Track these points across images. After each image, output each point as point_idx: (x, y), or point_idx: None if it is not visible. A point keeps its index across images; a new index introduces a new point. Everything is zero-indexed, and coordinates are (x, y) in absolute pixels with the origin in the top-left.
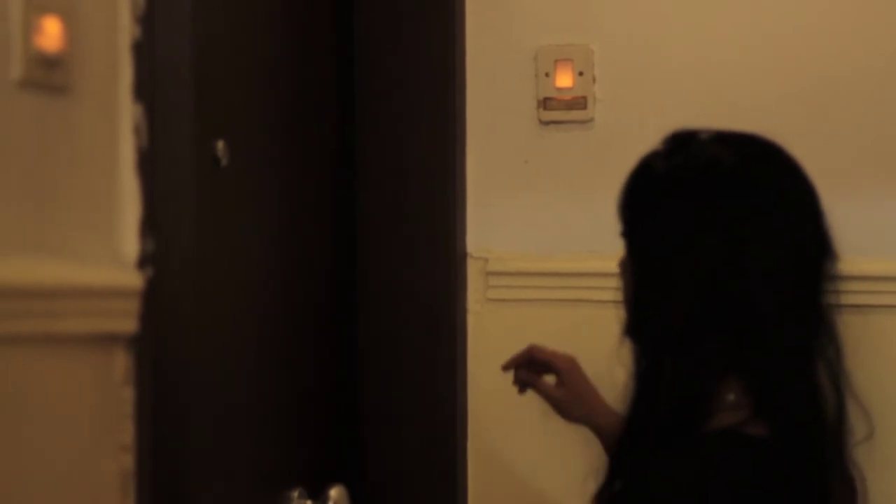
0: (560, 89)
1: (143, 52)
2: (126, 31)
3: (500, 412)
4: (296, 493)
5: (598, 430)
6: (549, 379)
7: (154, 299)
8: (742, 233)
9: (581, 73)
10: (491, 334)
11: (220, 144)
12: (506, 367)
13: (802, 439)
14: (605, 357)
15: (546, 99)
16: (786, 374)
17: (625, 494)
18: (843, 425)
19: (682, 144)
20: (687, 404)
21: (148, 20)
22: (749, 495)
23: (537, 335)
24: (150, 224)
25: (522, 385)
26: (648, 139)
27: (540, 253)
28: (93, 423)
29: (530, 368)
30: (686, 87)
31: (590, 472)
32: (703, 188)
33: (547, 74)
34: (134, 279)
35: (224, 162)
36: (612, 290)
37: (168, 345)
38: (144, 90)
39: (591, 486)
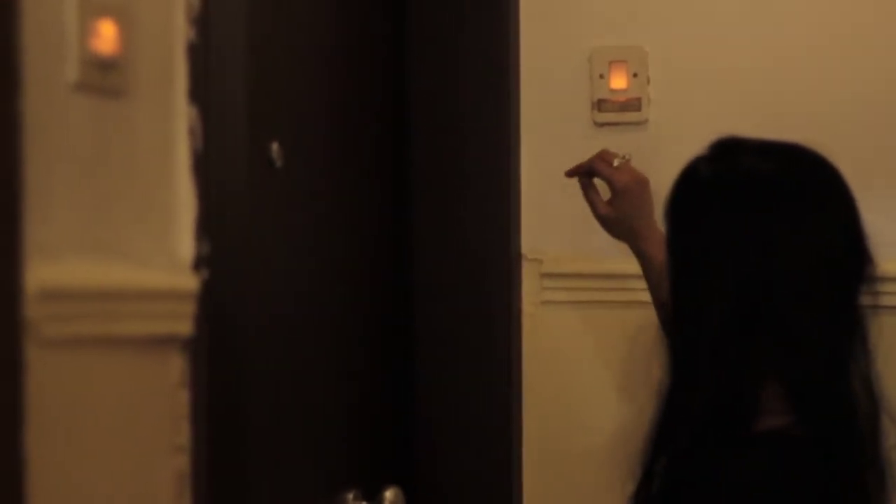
0: (614, 91)
1: (198, 54)
2: (181, 32)
3: (555, 413)
4: (351, 495)
5: (639, 255)
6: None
7: (209, 301)
8: (775, 242)
9: (635, 75)
10: (546, 336)
11: (275, 146)
12: (569, 174)
13: (839, 441)
14: (663, 360)
15: (600, 100)
16: (819, 377)
17: (669, 496)
18: (878, 426)
19: (725, 152)
20: (725, 408)
21: (202, 22)
22: (800, 496)
23: (592, 337)
24: (206, 226)
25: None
26: (703, 141)
27: (595, 255)
28: (149, 424)
29: (591, 176)
30: (740, 89)
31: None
32: (740, 198)
33: (601, 76)
34: (189, 281)
35: (278, 163)
36: None
37: (223, 346)
38: (199, 92)
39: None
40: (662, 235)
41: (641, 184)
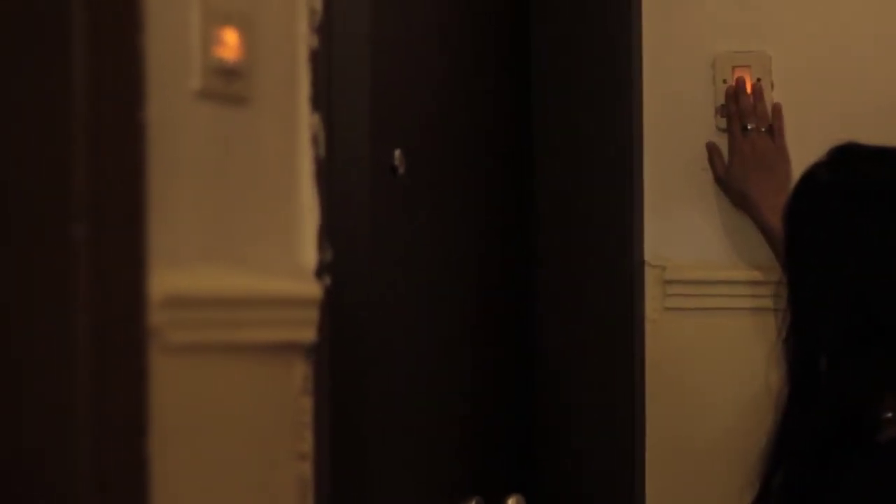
0: None
1: (321, 62)
2: (303, 40)
3: (678, 420)
4: (473, 502)
5: (756, 223)
6: None
7: (332, 308)
8: (889, 252)
9: (759, 80)
10: (669, 343)
11: (397, 153)
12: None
13: None
14: (787, 367)
15: (723, 106)
16: None
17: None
18: None
19: (843, 159)
20: (846, 419)
21: (325, 29)
22: None
23: (715, 344)
24: (328, 233)
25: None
26: (826, 146)
27: (718, 261)
28: (272, 431)
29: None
30: (864, 93)
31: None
32: (857, 205)
33: (724, 81)
34: (312, 288)
35: (401, 170)
36: None
37: (346, 354)
38: (322, 99)
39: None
40: (774, 203)
41: (759, 154)
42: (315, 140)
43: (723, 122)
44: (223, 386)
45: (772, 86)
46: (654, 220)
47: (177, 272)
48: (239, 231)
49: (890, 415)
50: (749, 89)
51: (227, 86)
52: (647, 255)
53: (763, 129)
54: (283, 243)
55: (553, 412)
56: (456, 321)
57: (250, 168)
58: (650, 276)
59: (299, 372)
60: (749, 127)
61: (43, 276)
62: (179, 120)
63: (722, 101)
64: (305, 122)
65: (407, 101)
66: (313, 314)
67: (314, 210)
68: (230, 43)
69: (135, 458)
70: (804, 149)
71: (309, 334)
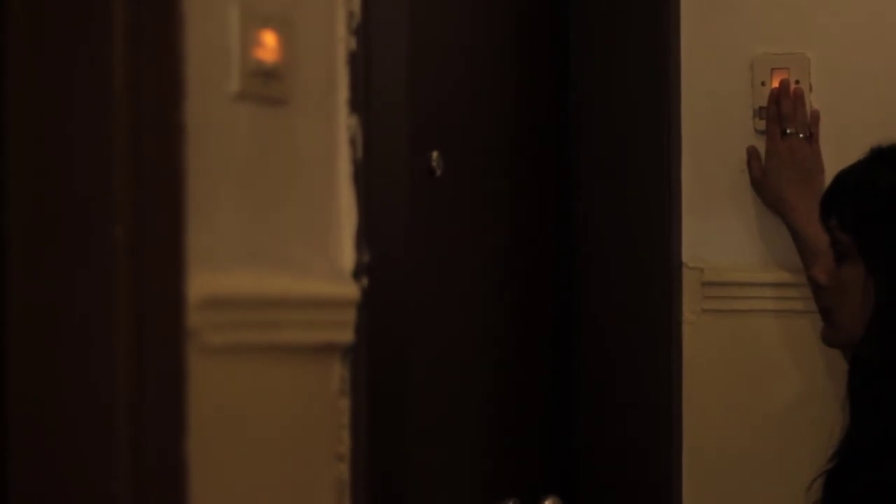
0: None
1: (359, 64)
2: (342, 42)
3: (716, 422)
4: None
5: (787, 225)
6: None
7: (369, 310)
8: None
9: (797, 82)
10: (706, 345)
11: (435, 155)
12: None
13: None
14: (823, 369)
15: (762, 108)
16: None
17: None
18: None
19: (885, 159)
20: None
21: (363, 32)
22: None
23: (753, 346)
24: (366, 235)
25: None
26: (864, 148)
27: (756, 263)
28: (310, 432)
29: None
30: None
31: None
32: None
33: (763, 83)
34: (350, 289)
35: (439, 172)
36: None
37: (383, 355)
38: (360, 101)
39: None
40: (816, 211)
41: (797, 158)
42: (353, 142)
43: (761, 125)
44: (261, 387)
45: (810, 88)
46: (692, 222)
47: (215, 273)
48: (277, 232)
49: None
50: (791, 93)
51: (266, 87)
52: (685, 257)
53: (802, 135)
54: (320, 245)
55: (591, 413)
56: (493, 322)
57: (288, 170)
58: (688, 279)
59: (336, 373)
60: (788, 131)
61: (83, 277)
62: (218, 121)
63: (760, 103)
64: (343, 123)
65: (445, 103)
66: (351, 315)
67: (352, 212)
68: (269, 45)
69: (173, 458)
70: (841, 151)
71: (346, 336)
